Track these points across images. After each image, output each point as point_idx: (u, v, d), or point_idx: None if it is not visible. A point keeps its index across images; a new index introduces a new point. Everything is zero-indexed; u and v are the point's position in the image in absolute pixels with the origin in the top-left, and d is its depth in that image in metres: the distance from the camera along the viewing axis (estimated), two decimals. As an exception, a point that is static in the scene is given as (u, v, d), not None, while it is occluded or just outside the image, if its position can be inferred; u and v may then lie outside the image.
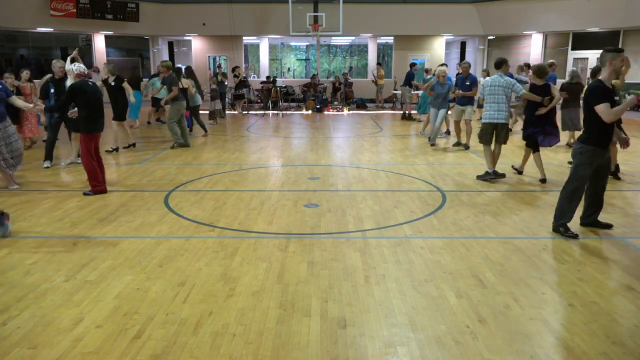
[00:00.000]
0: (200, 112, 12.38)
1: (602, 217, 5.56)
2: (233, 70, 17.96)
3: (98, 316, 3.37)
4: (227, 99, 17.11)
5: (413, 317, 3.37)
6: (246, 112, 17.92)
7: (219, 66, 17.96)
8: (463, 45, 21.55)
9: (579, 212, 5.07)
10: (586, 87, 5.24)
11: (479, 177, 7.38)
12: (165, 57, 22.90)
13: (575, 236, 4.88)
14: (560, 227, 4.97)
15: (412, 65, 16.49)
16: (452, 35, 22.94)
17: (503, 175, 7.33)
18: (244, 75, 18.26)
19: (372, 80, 20.69)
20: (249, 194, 6.66)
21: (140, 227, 5.26)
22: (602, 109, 4.58)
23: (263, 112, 18.40)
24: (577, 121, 9.37)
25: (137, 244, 4.76)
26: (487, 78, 7.60)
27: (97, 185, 6.55)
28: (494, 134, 7.27)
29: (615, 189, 6.85)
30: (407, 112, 15.85)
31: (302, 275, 4.03)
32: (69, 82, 6.58)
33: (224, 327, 3.24)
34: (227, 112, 16.99)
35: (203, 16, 21.50)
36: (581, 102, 6.10)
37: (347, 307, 3.50)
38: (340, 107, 19.36)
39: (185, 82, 11.30)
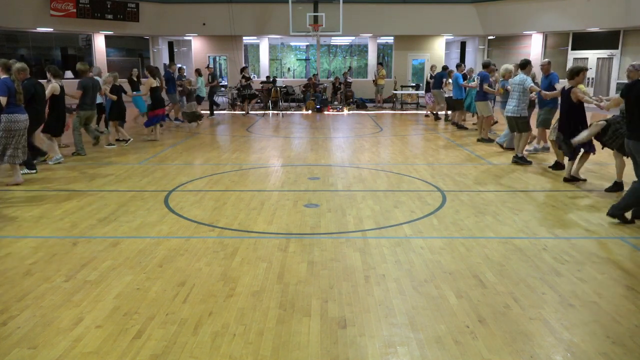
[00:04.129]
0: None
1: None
2: (242, 70, 17.93)
3: (98, 316, 3.37)
4: (219, 99, 17.03)
5: (413, 317, 3.37)
6: (246, 112, 17.92)
7: (208, 67, 17.79)
8: (463, 45, 21.57)
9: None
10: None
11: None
12: (165, 57, 22.92)
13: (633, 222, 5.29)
14: (621, 215, 5.26)
15: (445, 67, 15.13)
16: (452, 35, 22.94)
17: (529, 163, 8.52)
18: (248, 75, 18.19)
19: (373, 80, 20.69)
20: (249, 194, 6.66)
21: (140, 227, 5.26)
22: None
23: (263, 112, 18.41)
24: None
25: (137, 244, 4.76)
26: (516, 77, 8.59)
27: None
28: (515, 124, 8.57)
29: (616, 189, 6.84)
30: (444, 114, 15.22)
31: (302, 275, 4.03)
32: None
33: (224, 327, 3.24)
34: (226, 112, 17.04)
35: (203, 16, 21.50)
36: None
37: (347, 307, 3.50)
38: (340, 107, 19.36)
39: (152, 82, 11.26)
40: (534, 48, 21.35)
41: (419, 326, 3.25)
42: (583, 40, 20.08)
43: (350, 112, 18.69)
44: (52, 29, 19.60)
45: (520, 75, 8.44)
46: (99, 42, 21.26)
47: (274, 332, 3.18)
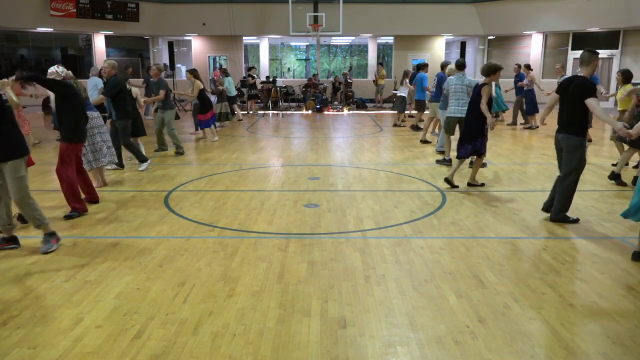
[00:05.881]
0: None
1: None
2: (249, 70, 17.91)
3: (98, 316, 3.38)
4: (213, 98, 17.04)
5: (413, 317, 3.37)
6: (247, 111, 17.93)
7: (221, 67, 17.89)
8: (463, 45, 21.53)
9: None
10: (575, 82, 5.17)
11: (437, 162, 8.64)
12: (165, 57, 22.90)
13: (577, 220, 5.36)
14: (564, 216, 5.35)
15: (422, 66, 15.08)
16: (452, 35, 22.94)
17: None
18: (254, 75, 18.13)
19: (373, 80, 20.68)
20: (249, 194, 6.66)
21: (140, 227, 5.26)
22: (594, 103, 4.92)
23: (263, 112, 18.41)
24: None
25: (137, 244, 4.76)
26: (451, 77, 8.19)
27: (78, 204, 5.71)
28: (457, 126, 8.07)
29: (615, 189, 6.85)
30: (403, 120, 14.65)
31: (302, 275, 4.03)
32: None
33: (224, 327, 3.24)
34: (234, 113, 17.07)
35: (203, 16, 21.50)
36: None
37: (347, 307, 3.50)
38: (341, 107, 19.35)
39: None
40: (533, 48, 21.36)
41: (419, 326, 3.25)
42: (583, 40, 20.07)
43: (350, 112, 18.69)
44: (52, 29, 19.59)
45: (458, 75, 7.96)
46: (99, 42, 21.25)
47: (274, 332, 3.18)
